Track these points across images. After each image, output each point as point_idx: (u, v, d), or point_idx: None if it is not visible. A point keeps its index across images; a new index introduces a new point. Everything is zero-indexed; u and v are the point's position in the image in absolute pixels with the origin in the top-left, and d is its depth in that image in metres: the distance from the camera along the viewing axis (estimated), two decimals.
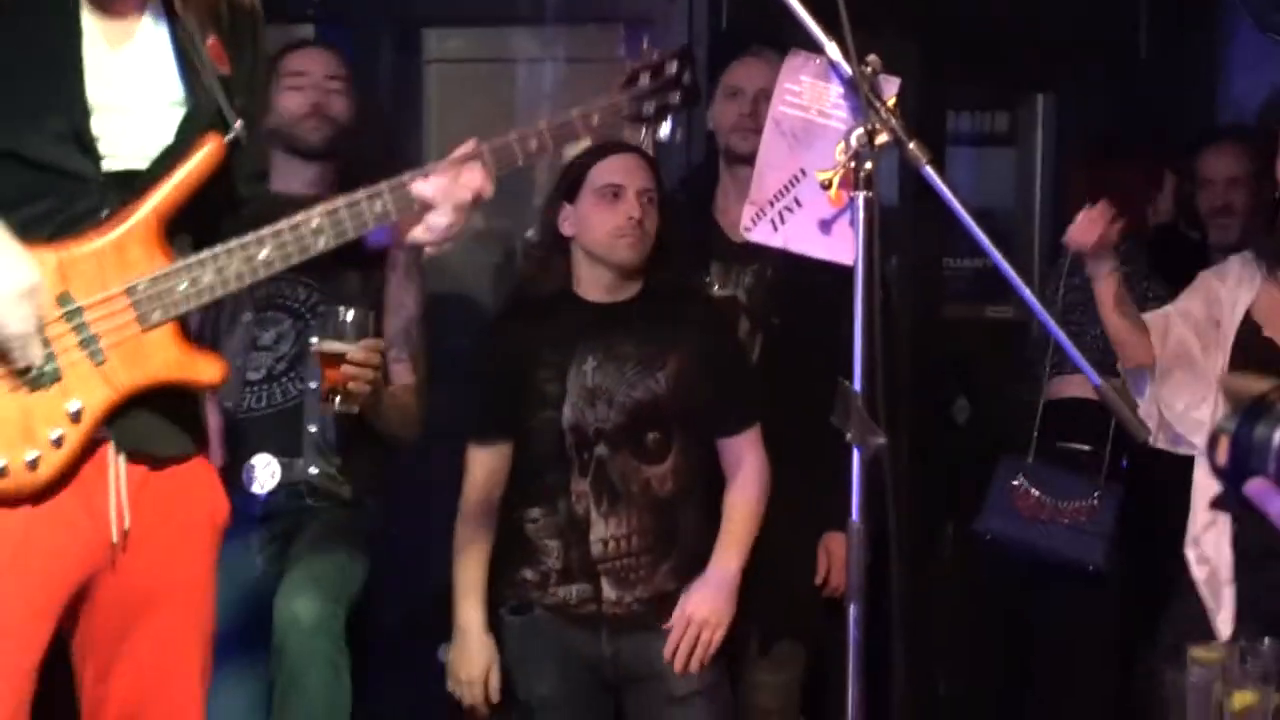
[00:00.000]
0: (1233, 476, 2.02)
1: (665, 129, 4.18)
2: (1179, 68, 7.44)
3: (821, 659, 5.45)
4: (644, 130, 4.76)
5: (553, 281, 5.02)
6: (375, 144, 6.63)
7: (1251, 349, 4.51)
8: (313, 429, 5.19)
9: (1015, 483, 5.83)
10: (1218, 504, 4.31)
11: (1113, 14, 7.61)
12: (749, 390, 5.09)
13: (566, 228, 4.92)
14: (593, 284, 4.91)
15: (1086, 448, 5.78)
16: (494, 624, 4.98)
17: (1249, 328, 4.63)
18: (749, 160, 5.01)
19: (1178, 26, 7.49)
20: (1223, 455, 2.01)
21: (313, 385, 5.16)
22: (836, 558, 5.21)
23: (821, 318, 5.06)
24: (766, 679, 5.26)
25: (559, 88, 6.88)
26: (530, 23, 7.04)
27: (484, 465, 4.98)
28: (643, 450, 4.90)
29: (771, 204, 3.85)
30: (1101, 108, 7.56)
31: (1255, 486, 1.97)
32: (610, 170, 4.92)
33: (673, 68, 4.06)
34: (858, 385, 3.46)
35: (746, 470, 5.00)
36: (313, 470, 5.17)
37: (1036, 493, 5.79)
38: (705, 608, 4.83)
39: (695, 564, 4.91)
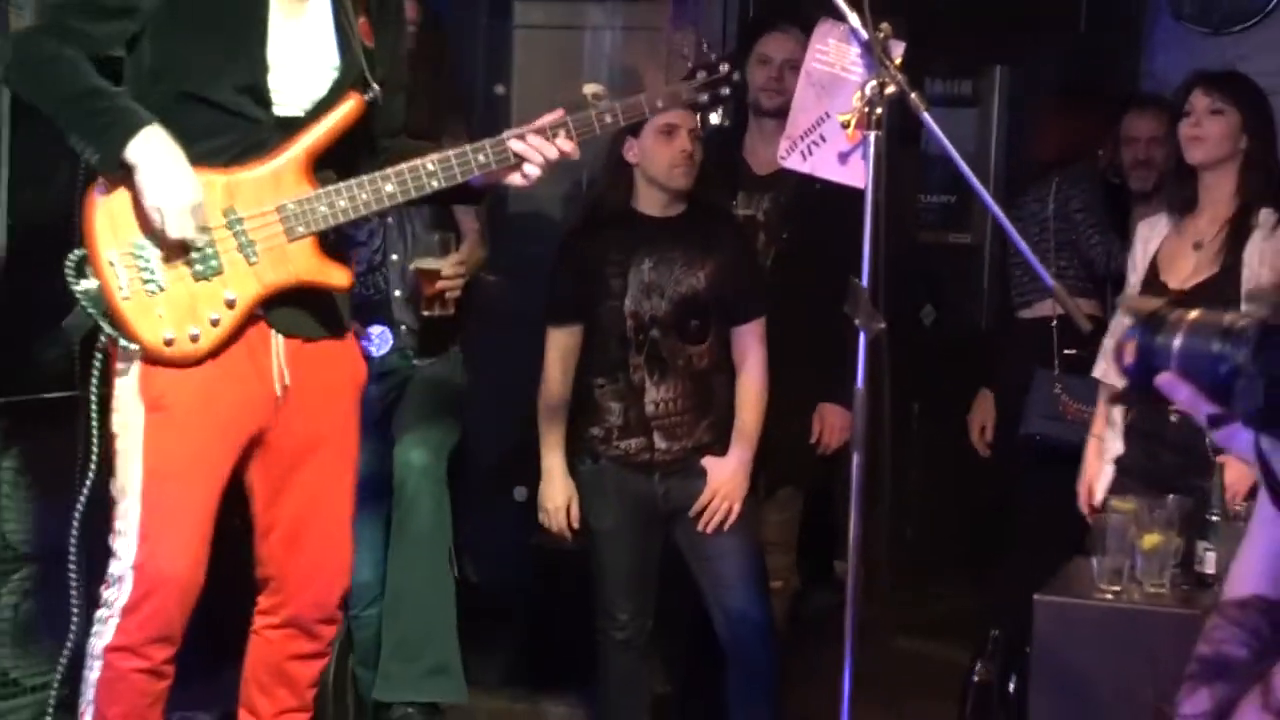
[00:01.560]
0: (1137, 375, 1.96)
1: (715, 117, 4.26)
2: (1112, 45, 7.44)
3: (814, 503, 5.59)
4: (697, 117, 4.86)
5: (618, 200, 5.00)
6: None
7: (1152, 289, 4.51)
8: (402, 305, 5.14)
9: (1055, 391, 5.78)
10: (1119, 399, 4.55)
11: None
12: (760, 290, 5.06)
13: (631, 156, 4.90)
14: (650, 202, 4.88)
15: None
16: (571, 472, 5.02)
17: (1152, 270, 4.66)
18: (773, 114, 5.29)
19: (1111, 12, 7.50)
20: (1129, 358, 1.95)
21: (398, 266, 5.13)
22: (828, 423, 5.28)
23: (821, 235, 5.12)
24: (773, 517, 5.29)
25: (617, 52, 6.82)
26: None
27: (560, 344, 4.95)
28: (686, 333, 4.90)
29: (802, 139, 3.90)
30: (1048, 76, 7.59)
31: (1164, 379, 1.93)
32: (667, 113, 4.79)
33: (724, 68, 4.04)
34: (865, 282, 3.56)
35: (751, 361, 4.98)
36: (407, 333, 5.14)
37: (1068, 398, 5.74)
38: (728, 485, 4.86)
39: (725, 421, 4.92)
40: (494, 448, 5.66)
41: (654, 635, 5.05)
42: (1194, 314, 1.94)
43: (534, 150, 3.78)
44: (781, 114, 4.86)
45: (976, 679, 5.07)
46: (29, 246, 4.58)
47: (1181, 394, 1.89)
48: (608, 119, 3.89)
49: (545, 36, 7.05)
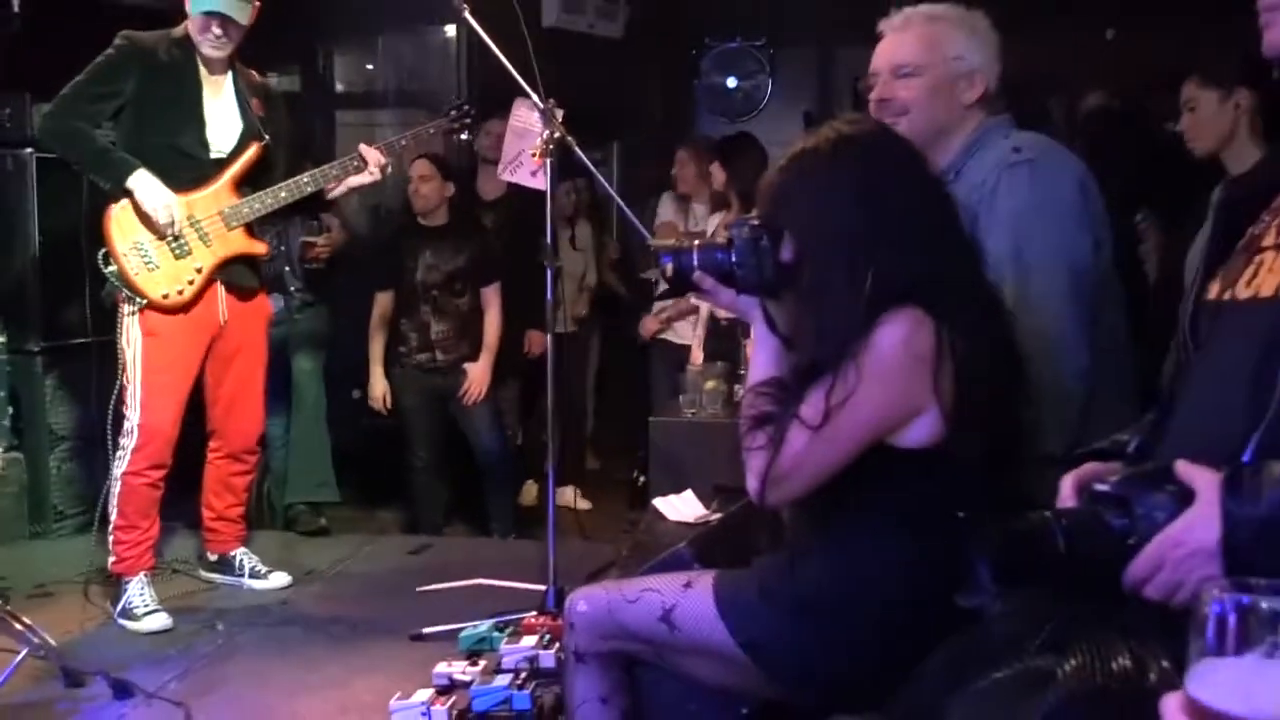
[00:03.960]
0: (677, 281, 2.08)
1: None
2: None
3: (526, 386, 5.68)
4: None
5: (408, 217, 5.22)
6: None
7: None
8: (292, 274, 5.16)
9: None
10: (664, 295, 4.42)
11: None
12: (495, 265, 5.21)
13: (411, 190, 5.12)
14: (425, 217, 5.13)
15: None
16: (386, 374, 5.23)
17: None
18: (491, 163, 5.13)
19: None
20: (668, 271, 2.05)
21: (286, 255, 5.12)
22: (532, 339, 5.50)
23: (521, 228, 5.29)
24: (505, 394, 5.47)
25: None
26: None
27: (381, 301, 5.19)
28: (453, 291, 5.14)
29: (510, 164, 4.20)
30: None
31: (696, 275, 2.04)
32: (416, 165, 5.07)
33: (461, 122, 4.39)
34: (549, 240, 3.77)
35: (491, 307, 5.17)
36: (295, 291, 5.18)
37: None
38: (478, 378, 5.14)
39: (477, 341, 5.17)
40: (341, 364, 5.44)
41: (439, 464, 5.28)
42: (702, 240, 2.12)
43: (370, 152, 4.02)
44: (496, 163, 4.97)
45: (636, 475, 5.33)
46: (53, 248, 4.67)
47: (707, 283, 2.03)
48: (401, 143, 4.18)
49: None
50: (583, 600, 2.12)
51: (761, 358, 2.02)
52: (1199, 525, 1.31)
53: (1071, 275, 2.29)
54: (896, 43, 2.45)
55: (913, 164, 2.04)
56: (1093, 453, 1.63)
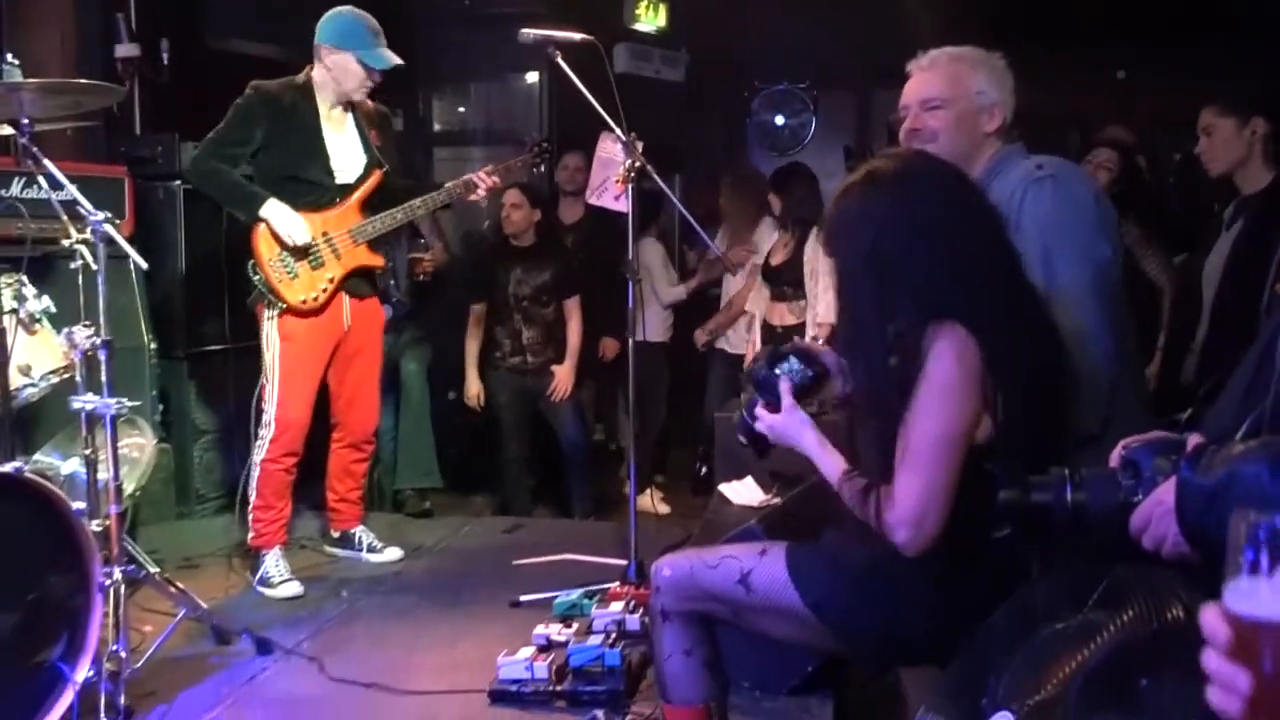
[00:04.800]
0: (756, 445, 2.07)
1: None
2: None
3: (602, 389, 5.70)
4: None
5: (501, 238, 5.23)
6: None
7: None
8: (396, 287, 5.14)
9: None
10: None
11: None
12: (575, 280, 5.20)
13: (504, 215, 5.12)
14: (515, 238, 5.14)
15: None
16: (481, 377, 5.23)
17: None
18: (571, 194, 5.53)
19: None
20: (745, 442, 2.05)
21: (392, 272, 5.04)
22: (608, 346, 5.45)
23: (601, 250, 5.37)
24: (584, 395, 5.40)
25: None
26: None
27: (477, 311, 5.20)
28: (540, 303, 5.15)
29: (596, 190, 4.26)
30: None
31: (757, 432, 2.06)
32: (507, 194, 5.03)
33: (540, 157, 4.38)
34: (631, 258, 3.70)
35: (573, 317, 5.16)
36: (399, 302, 5.13)
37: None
38: (565, 377, 5.15)
39: (561, 349, 5.18)
40: (438, 369, 5.33)
41: (527, 456, 5.30)
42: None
43: (479, 179, 4.02)
44: (576, 194, 5.25)
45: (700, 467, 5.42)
46: (196, 268, 4.68)
47: (764, 429, 2.04)
48: (501, 171, 4.13)
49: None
50: (668, 566, 2.12)
51: (827, 461, 1.99)
52: (1171, 491, 1.39)
53: (1095, 273, 2.31)
54: (924, 80, 2.47)
55: (948, 183, 1.98)
56: (1159, 425, 1.67)
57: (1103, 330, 2.28)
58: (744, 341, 5.29)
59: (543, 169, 4.48)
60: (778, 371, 1.98)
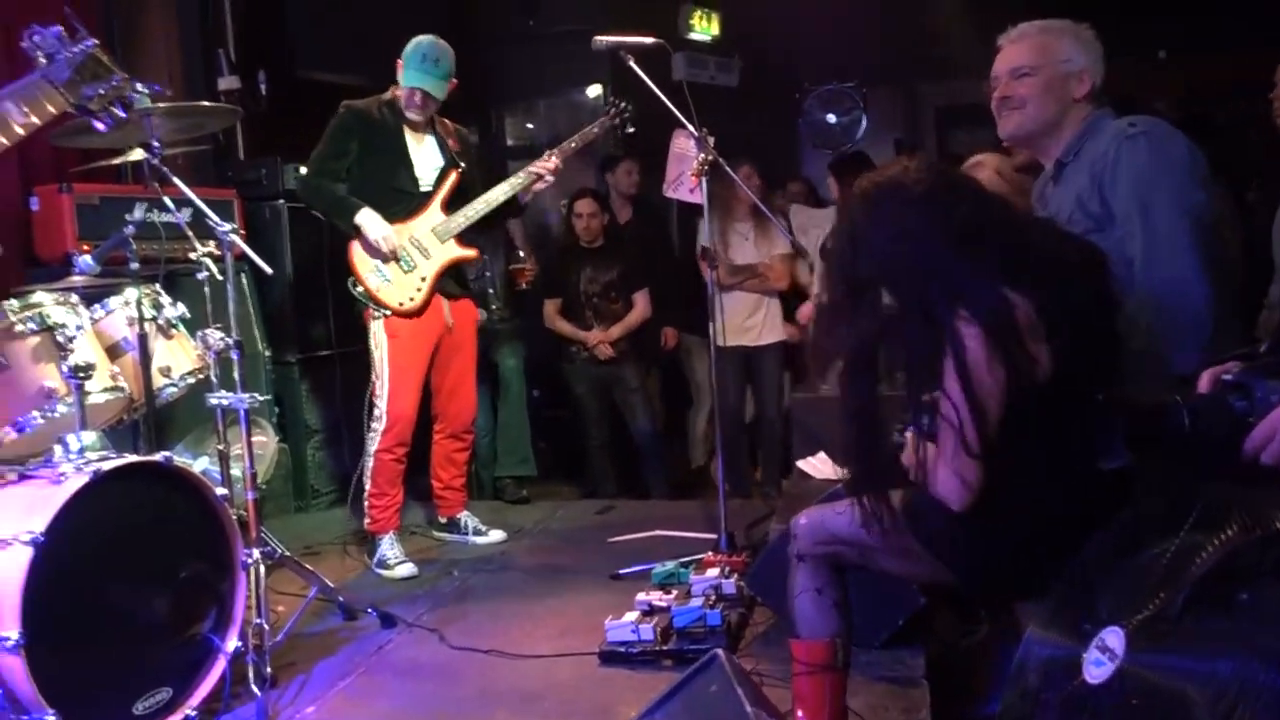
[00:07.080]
0: None
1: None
2: None
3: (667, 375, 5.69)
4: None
5: (570, 240, 5.26)
6: None
7: None
8: (494, 295, 5.17)
9: None
10: None
11: None
12: (641, 275, 5.22)
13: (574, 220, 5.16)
14: (584, 240, 5.16)
15: None
16: (559, 373, 5.27)
17: None
18: (624, 195, 5.49)
19: None
20: None
21: (489, 279, 5.12)
22: (669, 335, 5.41)
23: (648, 240, 5.45)
24: (651, 385, 5.41)
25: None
26: None
27: (550, 305, 5.22)
28: (609, 297, 5.18)
29: (672, 183, 4.15)
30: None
31: None
32: (577, 202, 5.13)
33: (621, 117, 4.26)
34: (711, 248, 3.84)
35: (638, 306, 5.19)
36: (495, 309, 5.16)
37: None
38: (603, 339, 5.10)
39: (631, 341, 5.18)
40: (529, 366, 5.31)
41: (609, 442, 5.32)
42: None
43: (543, 166, 4.02)
44: (629, 196, 5.31)
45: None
46: (303, 279, 4.77)
47: None
48: (572, 144, 4.10)
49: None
50: (804, 516, 2.20)
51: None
52: None
53: (1193, 223, 2.28)
54: (1013, 51, 2.46)
55: (952, 182, 2.01)
56: (1232, 357, 1.66)
57: (1201, 279, 2.26)
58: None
59: (628, 129, 4.32)
60: None
